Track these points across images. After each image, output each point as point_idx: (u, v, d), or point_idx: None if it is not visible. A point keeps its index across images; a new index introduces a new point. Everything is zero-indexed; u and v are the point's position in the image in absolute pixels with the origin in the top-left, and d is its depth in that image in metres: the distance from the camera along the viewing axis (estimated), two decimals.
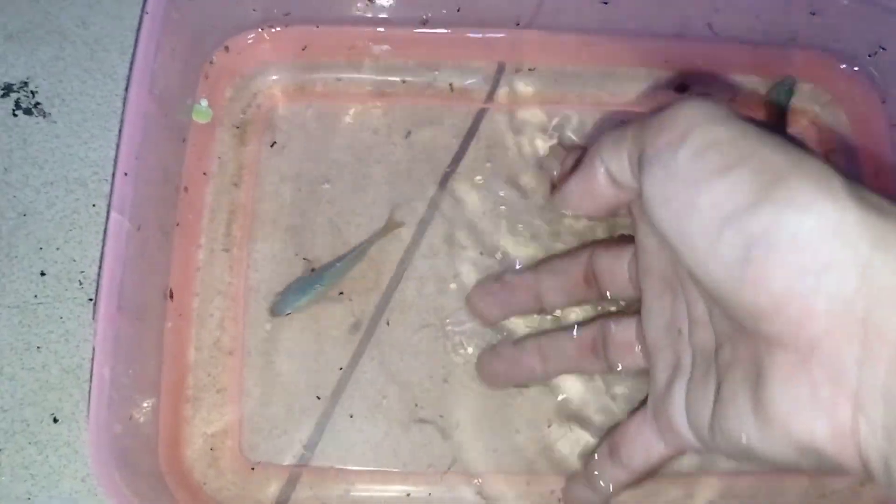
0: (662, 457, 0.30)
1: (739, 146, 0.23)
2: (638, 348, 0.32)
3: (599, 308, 0.38)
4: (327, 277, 0.39)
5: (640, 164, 0.25)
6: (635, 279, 0.31)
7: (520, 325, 0.39)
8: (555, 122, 0.43)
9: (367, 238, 0.40)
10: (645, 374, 0.31)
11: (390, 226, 0.41)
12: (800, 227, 0.21)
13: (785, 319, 0.21)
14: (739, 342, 0.24)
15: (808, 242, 0.20)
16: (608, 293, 0.34)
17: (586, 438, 0.38)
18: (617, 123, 0.27)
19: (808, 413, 0.21)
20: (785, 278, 0.21)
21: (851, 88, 0.44)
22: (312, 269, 0.39)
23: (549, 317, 0.39)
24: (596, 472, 0.33)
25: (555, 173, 0.33)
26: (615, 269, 0.33)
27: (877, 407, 0.20)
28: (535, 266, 0.37)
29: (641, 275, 0.30)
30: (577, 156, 0.32)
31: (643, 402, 0.31)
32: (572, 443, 0.38)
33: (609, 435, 0.32)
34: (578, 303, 0.37)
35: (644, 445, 0.30)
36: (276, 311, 0.39)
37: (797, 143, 0.23)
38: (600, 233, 0.41)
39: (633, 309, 0.33)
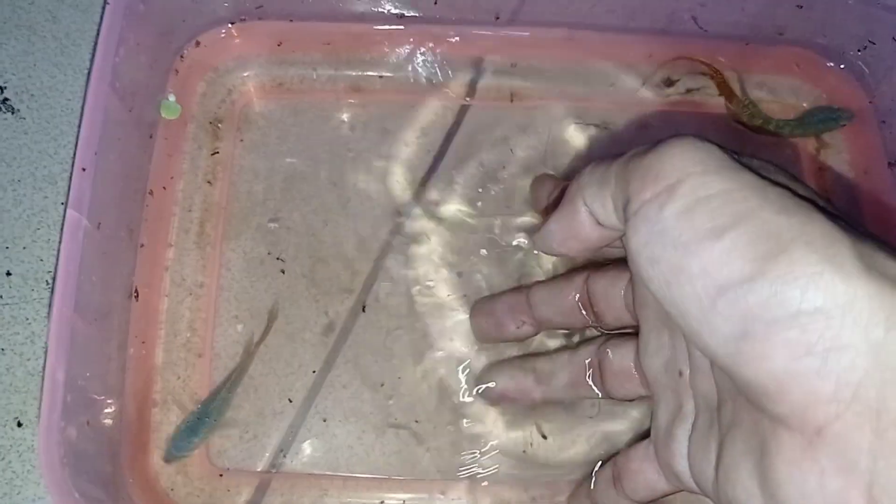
0: (666, 492, 0.29)
1: (735, 203, 0.20)
2: (637, 378, 0.30)
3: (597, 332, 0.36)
4: (214, 410, 0.36)
5: (624, 214, 0.23)
6: (632, 307, 0.29)
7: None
8: (536, 118, 0.42)
9: (246, 352, 0.38)
10: (644, 400, 0.30)
11: (271, 321, 0.38)
12: (803, 305, 0.18)
13: (788, 402, 0.19)
14: (741, 406, 0.22)
15: (812, 321, 0.18)
16: (604, 320, 0.32)
17: (567, 446, 0.37)
18: (600, 156, 0.25)
19: (819, 503, 0.19)
20: (787, 359, 0.19)
21: (840, 84, 0.43)
22: (199, 404, 0.37)
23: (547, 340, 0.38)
24: (598, 498, 0.32)
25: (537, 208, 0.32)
26: (611, 295, 0.31)
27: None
28: (530, 288, 0.35)
29: (637, 307, 0.28)
30: (557, 192, 0.31)
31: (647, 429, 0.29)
32: (551, 450, 0.37)
33: (612, 461, 0.31)
34: (575, 328, 0.35)
35: (647, 481, 0.29)
36: (169, 458, 0.36)
37: (799, 193, 0.21)
38: None
39: (632, 331, 0.31)
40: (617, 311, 0.31)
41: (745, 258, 0.19)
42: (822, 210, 0.20)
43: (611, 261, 0.33)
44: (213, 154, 0.41)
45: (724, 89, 0.42)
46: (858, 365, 0.18)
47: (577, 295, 0.33)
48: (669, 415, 0.26)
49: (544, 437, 0.37)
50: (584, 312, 0.33)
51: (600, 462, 0.35)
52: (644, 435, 0.31)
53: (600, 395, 0.33)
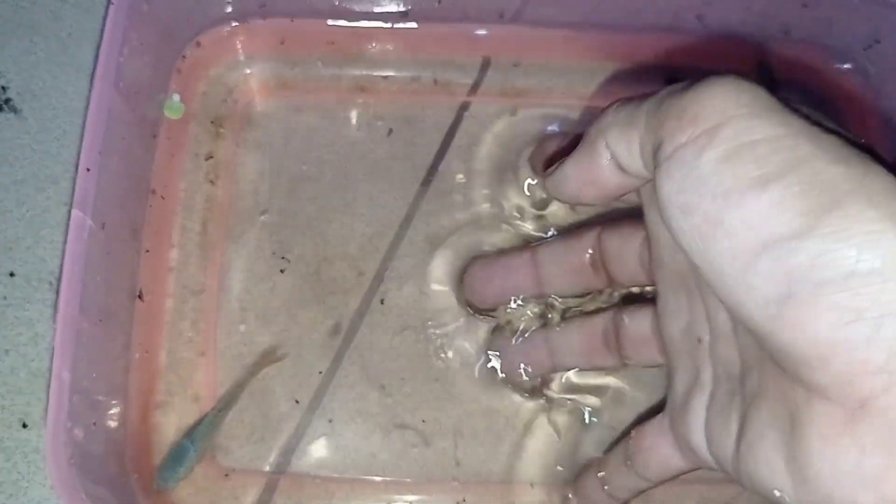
0: (681, 469, 0.27)
1: (785, 150, 0.18)
2: (655, 344, 0.29)
3: (611, 295, 0.34)
4: (199, 438, 0.35)
5: (655, 158, 0.21)
6: (648, 266, 0.27)
7: (522, 312, 0.36)
8: (540, 116, 0.42)
9: (237, 383, 0.37)
10: (662, 370, 0.28)
11: (266, 360, 0.38)
12: (857, 265, 0.17)
13: (831, 371, 0.18)
14: (769, 374, 0.20)
15: (866, 284, 0.17)
16: (618, 280, 0.30)
17: (574, 446, 0.37)
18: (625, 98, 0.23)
19: (853, 482, 0.18)
20: (834, 325, 0.17)
21: (845, 82, 0.43)
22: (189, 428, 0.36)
23: (557, 303, 0.35)
24: (609, 477, 0.31)
25: (547, 153, 0.29)
26: (625, 253, 0.29)
27: None
28: (536, 247, 0.33)
29: (654, 266, 0.26)
30: (563, 141, 0.29)
31: (661, 403, 0.28)
32: (559, 450, 0.37)
33: (625, 440, 0.30)
34: (584, 290, 0.33)
35: (660, 457, 0.27)
36: (158, 489, 0.34)
37: (859, 146, 0.19)
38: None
39: (649, 296, 0.30)
40: (632, 271, 0.29)
41: (795, 211, 0.18)
42: (884, 162, 0.18)
43: (624, 215, 0.30)
44: (215, 154, 0.41)
45: None
46: None
47: (589, 253, 0.31)
48: (686, 384, 0.25)
49: (558, 435, 0.37)
50: (596, 273, 0.31)
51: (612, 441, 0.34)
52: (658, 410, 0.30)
53: (616, 364, 0.31)
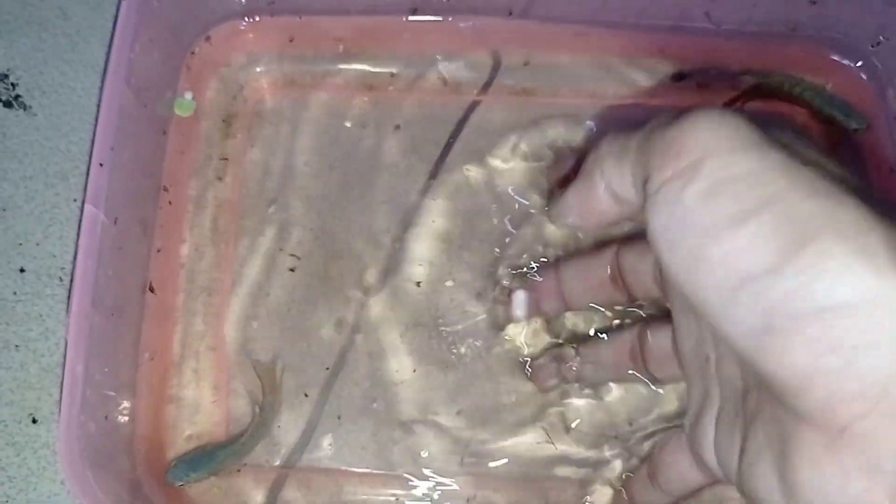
0: (700, 484, 0.28)
1: (761, 186, 0.19)
2: (676, 361, 0.29)
3: (636, 309, 0.36)
4: (221, 458, 0.35)
5: (644, 191, 0.22)
6: (661, 281, 0.28)
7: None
8: (549, 114, 0.42)
9: (257, 418, 0.36)
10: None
11: (269, 380, 0.37)
12: (829, 299, 0.17)
13: (811, 399, 0.18)
14: (764, 396, 0.21)
15: (838, 317, 0.17)
16: (637, 296, 0.31)
17: (579, 442, 0.37)
18: (619, 127, 0.24)
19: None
20: (811, 355, 0.18)
21: (853, 80, 0.43)
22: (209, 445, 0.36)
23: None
24: (635, 494, 0.32)
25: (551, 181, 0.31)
26: (640, 269, 0.30)
27: None
28: (558, 265, 0.34)
29: (664, 283, 0.27)
30: (573, 163, 0.30)
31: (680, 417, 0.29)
32: (566, 448, 0.37)
33: (648, 457, 0.31)
34: (606, 304, 0.34)
35: (681, 473, 0.28)
36: (168, 479, 0.35)
37: (831, 171, 0.19)
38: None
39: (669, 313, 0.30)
40: (647, 286, 0.30)
41: (770, 247, 0.18)
42: (856, 193, 0.19)
43: (641, 231, 0.32)
44: (224, 150, 0.41)
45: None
46: (885, 363, 0.17)
47: (609, 269, 0.31)
48: (698, 401, 0.26)
49: (569, 430, 0.37)
50: (616, 288, 0.32)
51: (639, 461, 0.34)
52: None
53: (645, 378, 0.32)
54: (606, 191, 0.24)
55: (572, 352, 0.35)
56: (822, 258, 0.18)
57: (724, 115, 0.21)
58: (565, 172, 0.31)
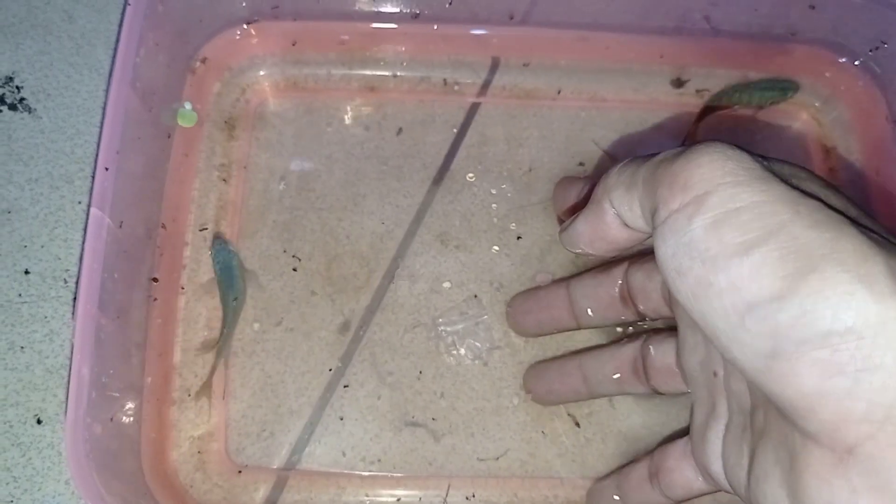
0: (703, 491, 0.29)
1: (765, 217, 0.20)
2: (679, 374, 0.30)
3: (641, 324, 0.36)
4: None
5: (652, 220, 0.23)
6: (669, 300, 0.29)
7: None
8: (549, 117, 0.43)
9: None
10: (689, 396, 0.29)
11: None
12: (834, 325, 0.18)
13: (819, 420, 0.19)
14: (772, 414, 0.22)
15: (843, 341, 0.18)
16: (644, 312, 0.32)
17: (581, 444, 0.37)
18: (625, 151, 0.25)
19: None
20: (817, 378, 0.18)
21: (852, 84, 0.43)
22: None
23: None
24: (629, 492, 0.32)
25: (561, 209, 0.32)
26: (648, 288, 0.31)
27: None
28: (569, 282, 0.35)
29: (672, 304, 0.28)
30: (583, 189, 0.31)
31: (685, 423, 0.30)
32: (566, 449, 0.37)
33: (649, 457, 0.31)
34: (616, 322, 0.35)
35: (684, 479, 0.29)
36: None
37: (832, 204, 0.20)
38: None
39: (674, 326, 0.31)
40: (655, 304, 0.31)
41: (775, 275, 0.19)
42: (856, 223, 0.20)
43: (650, 250, 0.32)
44: (228, 153, 0.41)
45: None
46: (891, 385, 0.18)
47: (618, 287, 0.32)
48: (704, 414, 0.26)
49: (578, 424, 0.37)
50: (626, 305, 0.33)
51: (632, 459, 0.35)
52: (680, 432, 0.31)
53: (646, 391, 0.32)
54: (616, 219, 0.25)
55: (576, 363, 0.35)
56: (826, 286, 0.18)
57: (729, 150, 0.21)
58: (573, 202, 0.32)
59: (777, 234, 0.19)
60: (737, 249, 0.20)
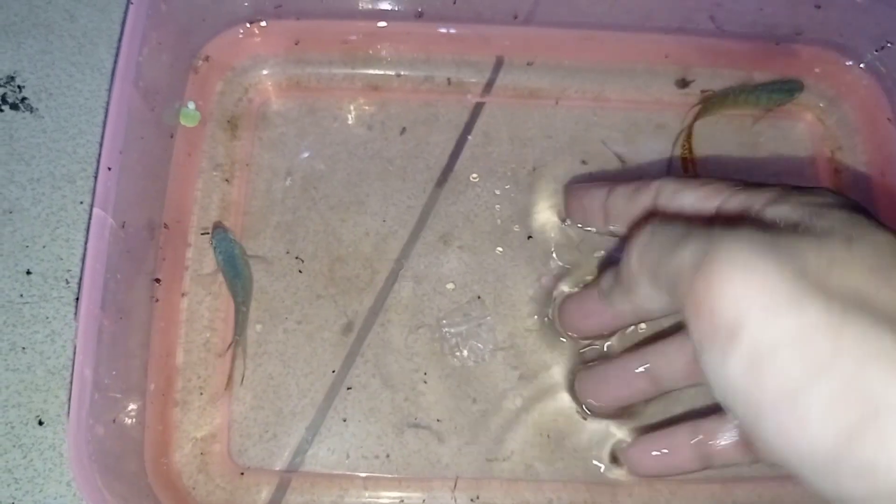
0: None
1: (806, 355, 0.18)
2: None
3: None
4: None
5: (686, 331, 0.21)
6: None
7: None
8: (553, 117, 0.42)
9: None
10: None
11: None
12: None
13: None
14: None
15: None
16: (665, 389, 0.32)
17: (584, 445, 0.37)
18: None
19: None
20: None
21: (858, 84, 0.43)
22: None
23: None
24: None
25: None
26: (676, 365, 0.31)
27: None
28: (644, 352, 0.32)
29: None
30: (599, 196, 0.32)
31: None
32: (574, 449, 0.37)
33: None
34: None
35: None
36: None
37: (881, 305, 0.18)
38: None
39: None
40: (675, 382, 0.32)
41: (828, 427, 0.18)
42: None
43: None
44: (230, 153, 0.41)
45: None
46: None
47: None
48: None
49: (585, 417, 0.37)
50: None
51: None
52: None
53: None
54: (646, 301, 0.26)
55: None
56: (886, 437, 0.17)
57: (749, 261, 0.19)
58: (595, 212, 0.32)
59: (821, 376, 0.18)
60: (779, 398, 0.18)
